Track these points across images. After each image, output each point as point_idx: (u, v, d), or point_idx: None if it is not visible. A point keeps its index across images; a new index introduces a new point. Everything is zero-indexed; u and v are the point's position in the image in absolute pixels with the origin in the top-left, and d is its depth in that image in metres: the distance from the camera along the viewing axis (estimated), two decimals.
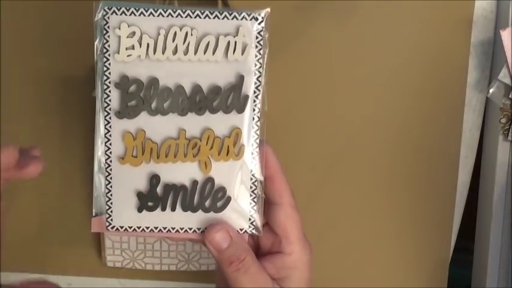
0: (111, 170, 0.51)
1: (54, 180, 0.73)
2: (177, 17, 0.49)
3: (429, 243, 0.73)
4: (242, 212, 0.52)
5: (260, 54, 0.50)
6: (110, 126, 0.50)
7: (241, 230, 0.52)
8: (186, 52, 0.50)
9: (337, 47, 0.71)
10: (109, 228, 0.51)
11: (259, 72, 0.51)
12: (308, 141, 0.72)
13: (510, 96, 0.66)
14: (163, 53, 0.50)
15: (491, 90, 0.67)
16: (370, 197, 0.73)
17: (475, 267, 0.74)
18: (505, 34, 0.65)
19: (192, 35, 0.49)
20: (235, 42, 0.50)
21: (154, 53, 0.50)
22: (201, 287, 0.75)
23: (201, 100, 0.50)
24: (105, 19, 0.49)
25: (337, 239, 0.74)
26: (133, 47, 0.49)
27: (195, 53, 0.50)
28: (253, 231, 0.52)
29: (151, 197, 0.51)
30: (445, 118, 0.71)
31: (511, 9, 0.67)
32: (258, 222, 0.52)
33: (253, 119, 0.51)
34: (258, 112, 0.51)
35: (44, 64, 0.71)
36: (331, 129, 0.72)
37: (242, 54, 0.50)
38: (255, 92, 0.51)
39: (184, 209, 0.52)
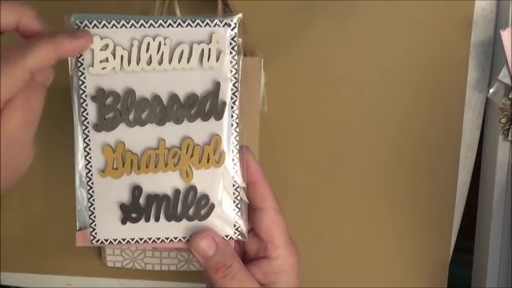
0: (92, 183, 0.51)
1: (53, 180, 0.74)
2: (149, 27, 0.49)
3: (429, 243, 0.73)
4: (226, 218, 0.52)
5: (235, 60, 0.50)
6: (89, 140, 0.50)
7: (226, 236, 0.52)
8: (160, 62, 0.49)
9: (337, 47, 0.70)
10: (93, 241, 0.52)
11: (235, 78, 0.50)
12: (308, 142, 0.72)
13: (510, 96, 0.65)
14: (137, 63, 0.49)
15: (491, 90, 0.66)
16: (370, 197, 0.73)
17: (475, 267, 0.74)
18: (505, 34, 0.64)
19: (165, 44, 0.49)
20: (209, 49, 0.49)
21: (128, 65, 0.49)
22: (201, 287, 0.76)
23: (178, 109, 0.50)
24: None
25: (337, 239, 0.74)
26: (107, 60, 0.49)
27: (170, 62, 0.49)
28: (239, 237, 0.52)
29: (135, 209, 0.51)
30: (445, 118, 0.71)
31: (511, 9, 0.66)
32: (243, 228, 0.52)
33: (232, 125, 0.51)
34: (237, 118, 0.51)
35: None
36: (331, 129, 0.72)
37: (217, 61, 0.50)
38: (232, 98, 0.50)
39: (168, 218, 0.52)
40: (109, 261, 0.75)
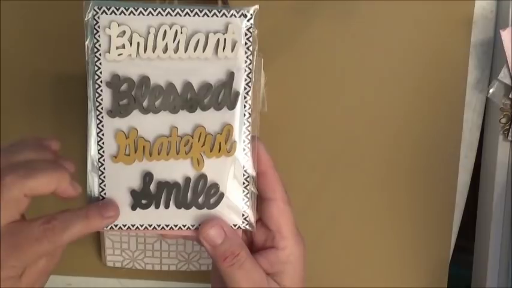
0: (104, 168, 0.51)
1: None
2: (166, 15, 0.50)
3: (429, 243, 0.73)
4: (235, 208, 0.52)
5: (249, 51, 0.51)
6: (102, 125, 0.51)
7: (235, 225, 0.52)
8: (176, 50, 0.50)
9: (337, 48, 0.71)
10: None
11: (249, 68, 0.51)
12: (308, 141, 0.73)
13: (510, 96, 0.66)
14: (153, 51, 0.50)
15: (491, 90, 0.67)
16: (370, 197, 0.73)
17: (475, 267, 0.74)
18: (505, 34, 0.65)
19: (182, 33, 0.50)
20: (225, 39, 0.50)
21: (144, 52, 0.50)
22: (201, 287, 0.75)
23: (192, 97, 0.51)
24: (95, 19, 0.49)
25: (337, 239, 0.74)
26: (123, 46, 0.50)
27: (185, 50, 0.50)
28: (247, 226, 0.52)
29: (145, 195, 0.51)
30: (445, 118, 0.71)
31: (511, 9, 0.67)
32: (252, 217, 0.52)
33: (244, 115, 0.51)
34: (249, 108, 0.51)
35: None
36: (331, 129, 0.72)
37: (232, 51, 0.50)
38: (245, 88, 0.51)
39: (178, 206, 0.52)
40: (109, 261, 0.75)
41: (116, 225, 0.52)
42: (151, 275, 0.75)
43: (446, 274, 0.73)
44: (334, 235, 0.74)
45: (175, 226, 0.52)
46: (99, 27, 0.49)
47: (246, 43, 0.50)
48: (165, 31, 0.50)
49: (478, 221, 0.74)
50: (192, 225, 0.52)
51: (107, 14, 0.49)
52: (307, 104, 0.72)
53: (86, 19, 0.50)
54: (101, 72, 0.50)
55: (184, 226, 0.52)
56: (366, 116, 0.72)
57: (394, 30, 0.71)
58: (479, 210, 0.74)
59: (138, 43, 0.50)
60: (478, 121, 0.72)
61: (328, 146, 0.73)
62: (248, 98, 0.51)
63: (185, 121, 0.51)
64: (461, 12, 0.70)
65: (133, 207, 0.52)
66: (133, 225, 0.52)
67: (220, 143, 0.51)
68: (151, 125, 0.51)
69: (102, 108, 0.50)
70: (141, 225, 0.52)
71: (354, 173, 0.73)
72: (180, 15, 0.50)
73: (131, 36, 0.50)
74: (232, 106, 0.51)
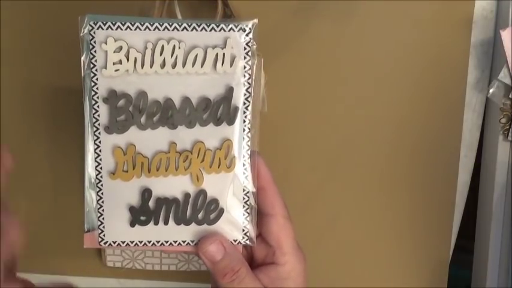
0: (102, 185, 0.51)
1: (53, 181, 0.73)
2: (164, 30, 0.49)
3: (429, 243, 0.73)
4: (235, 223, 0.52)
5: (249, 65, 0.50)
6: (100, 142, 0.50)
7: (235, 241, 0.52)
8: (174, 65, 0.49)
9: (337, 48, 0.70)
10: (101, 243, 0.51)
11: (248, 83, 0.50)
12: (308, 142, 0.72)
13: (510, 96, 0.66)
14: (151, 66, 0.49)
15: (491, 90, 0.66)
16: (370, 197, 0.72)
17: (475, 267, 0.74)
18: (505, 34, 0.64)
19: (179, 47, 0.49)
20: (224, 54, 0.49)
21: (142, 67, 0.49)
22: (201, 287, 0.75)
23: (190, 113, 0.50)
24: (91, 34, 0.48)
25: (337, 239, 0.74)
26: (120, 62, 0.49)
27: (183, 65, 0.49)
28: (247, 242, 0.52)
29: (144, 211, 0.51)
30: (445, 118, 0.71)
31: (511, 9, 0.66)
32: (252, 233, 0.52)
33: (244, 130, 0.50)
34: (249, 123, 0.50)
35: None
36: (331, 129, 0.72)
37: (231, 66, 0.49)
38: (244, 103, 0.50)
39: (177, 222, 0.51)
40: (109, 261, 0.75)
41: (114, 242, 0.52)
42: (151, 275, 0.75)
43: (446, 274, 0.73)
44: (334, 235, 0.74)
45: (175, 242, 0.52)
46: (95, 42, 0.48)
47: (245, 57, 0.50)
48: (163, 46, 0.49)
49: (478, 221, 0.74)
50: (192, 241, 0.52)
51: (103, 29, 0.48)
52: (307, 104, 0.71)
53: (81, 34, 0.49)
54: (97, 88, 0.49)
55: (184, 242, 0.52)
56: (366, 116, 0.71)
57: (394, 30, 0.70)
58: (479, 210, 0.73)
59: (135, 58, 0.49)
60: (478, 121, 0.71)
61: (328, 146, 0.72)
62: (247, 112, 0.50)
63: (184, 137, 0.50)
64: (461, 12, 0.69)
65: (132, 224, 0.51)
66: (132, 242, 0.52)
67: (219, 159, 0.51)
68: (149, 141, 0.50)
69: (99, 125, 0.50)
70: (140, 242, 0.52)
71: (353, 173, 0.73)
72: (178, 29, 0.49)
73: (128, 52, 0.49)
74: (231, 121, 0.50)
